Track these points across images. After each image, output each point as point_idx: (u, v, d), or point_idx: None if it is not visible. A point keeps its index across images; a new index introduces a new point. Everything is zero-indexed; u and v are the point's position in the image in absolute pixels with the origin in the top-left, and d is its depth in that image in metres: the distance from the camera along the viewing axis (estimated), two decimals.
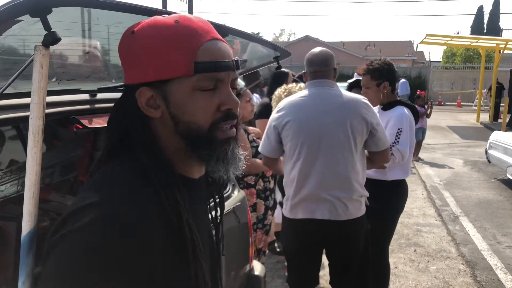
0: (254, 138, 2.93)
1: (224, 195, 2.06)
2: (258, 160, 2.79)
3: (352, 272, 2.32)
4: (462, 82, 24.61)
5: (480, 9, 53.93)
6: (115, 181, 0.72)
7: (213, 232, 0.95)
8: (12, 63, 1.17)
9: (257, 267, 2.31)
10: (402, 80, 18.71)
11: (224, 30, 1.24)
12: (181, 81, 0.73)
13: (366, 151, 2.32)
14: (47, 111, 1.14)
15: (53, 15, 0.77)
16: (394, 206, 2.85)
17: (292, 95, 2.41)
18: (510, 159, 6.31)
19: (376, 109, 2.95)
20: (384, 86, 2.73)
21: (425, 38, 15.17)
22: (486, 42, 16.61)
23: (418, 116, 2.86)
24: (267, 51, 1.79)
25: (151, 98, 0.75)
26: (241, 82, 4.15)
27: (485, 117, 16.11)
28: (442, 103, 22.86)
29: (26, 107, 0.79)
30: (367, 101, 2.23)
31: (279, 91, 3.34)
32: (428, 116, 8.47)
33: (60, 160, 1.96)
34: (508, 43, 14.67)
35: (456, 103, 22.38)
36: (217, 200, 0.95)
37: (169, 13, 0.88)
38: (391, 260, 3.95)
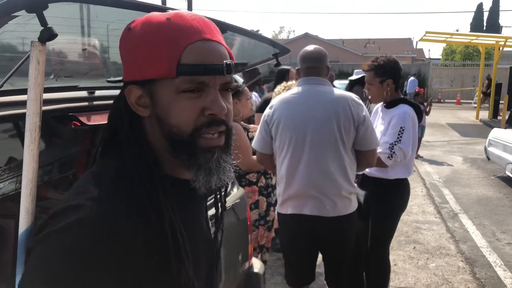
0: (254, 135, 2.92)
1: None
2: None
3: (344, 268, 2.33)
4: (461, 79, 24.61)
5: (480, 6, 53.87)
6: (99, 182, 0.71)
7: (212, 230, 0.94)
8: (8, 60, 1.16)
9: (256, 264, 2.32)
10: (411, 78, 18.85)
11: (222, 27, 1.23)
12: (165, 82, 0.71)
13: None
14: (45, 108, 1.14)
15: (50, 10, 0.76)
16: (396, 205, 2.84)
17: (285, 92, 2.42)
18: (510, 156, 6.31)
19: (379, 107, 2.94)
20: (388, 83, 2.70)
21: (424, 36, 15.15)
22: (485, 40, 16.60)
23: (421, 115, 2.83)
24: (266, 48, 1.78)
25: (141, 97, 0.74)
26: (239, 79, 4.15)
27: (485, 114, 16.12)
28: (442, 101, 22.86)
29: (25, 104, 0.78)
30: (357, 98, 2.22)
31: (279, 88, 3.35)
32: (427, 113, 8.48)
33: (59, 157, 1.95)
34: (508, 40, 14.66)
35: (455, 101, 22.38)
36: (218, 198, 0.93)
37: (169, 10, 0.86)
38: (391, 257, 3.95)
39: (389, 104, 2.75)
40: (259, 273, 2.27)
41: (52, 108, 1.24)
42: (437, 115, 15.84)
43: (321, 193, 2.17)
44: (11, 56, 1.17)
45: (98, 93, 1.48)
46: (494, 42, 15.89)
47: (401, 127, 2.59)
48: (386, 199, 2.79)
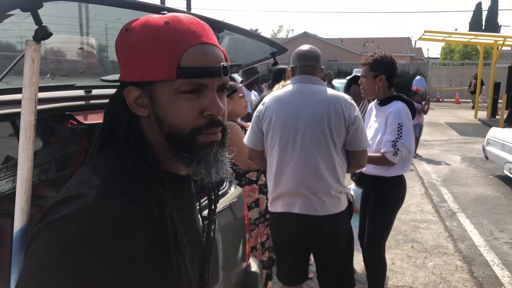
0: None
1: (220, 191, 2.07)
2: None
3: (336, 267, 2.33)
4: (460, 78, 24.58)
5: (479, 5, 53.89)
6: (99, 174, 0.72)
7: (205, 227, 0.95)
8: (4, 59, 1.16)
9: (254, 264, 2.32)
10: (418, 77, 19.00)
11: (219, 26, 1.23)
12: (165, 84, 0.73)
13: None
14: (42, 107, 1.13)
15: (47, 9, 0.77)
16: (394, 202, 2.87)
17: (278, 90, 2.43)
18: (508, 156, 6.32)
19: (373, 105, 2.96)
20: (381, 79, 2.76)
21: (423, 35, 15.16)
22: (484, 39, 16.61)
23: (415, 111, 2.88)
24: (264, 47, 1.78)
25: (139, 97, 0.76)
26: (238, 78, 4.15)
27: (483, 113, 16.15)
28: (441, 100, 22.88)
29: (20, 102, 0.78)
30: (349, 99, 2.23)
31: (277, 87, 3.35)
32: (425, 112, 8.48)
33: (56, 156, 1.96)
34: (507, 39, 14.67)
35: (454, 100, 22.40)
36: (212, 196, 0.95)
37: (168, 9, 0.87)
38: (389, 256, 3.97)
39: (383, 102, 2.80)
40: (256, 272, 2.27)
41: (49, 107, 1.24)
42: (435, 114, 15.86)
43: (311, 192, 2.17)
44: (7, 55, 1.17)
45: (95, 92, 1.48)
46: (493, 41, 15.92)
47: (399, 124, 2.64)
48: (385, 196, 2.81)
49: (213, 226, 0.95)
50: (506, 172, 6.36)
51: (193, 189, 0.89)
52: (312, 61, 2.29)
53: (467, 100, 21.46)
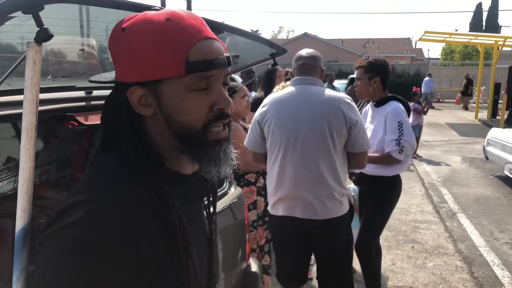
0: None
1: (220, 192, 2.08)
2: None
3: (336, 268, 2.32)
4: (461, 79, 24.53)
5: (479, 6, 53.86)
6: (105, 178, 0.72)
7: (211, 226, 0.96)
8: (5, 60, 1.17)
9: (254, 264, 2.32)
10: (427, 78, 19.04)
11: (218, 27, 1.23)
12: (173, 81, 0.73)
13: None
14: (43, 108, 1.14)
15: (48, 11, 0.77)
16: (391, 202, 2.92)
17: (278, 91, 2.43)
18: (508, 156, 6.33)
19: (368, 106, 3.02)
20: (375, 80, 2.84)
21: (423, 35, 15.15)
22: (484, 39, 16.61)
23: (409, 111, 2.96)
24: (263, 48, 1.79)
25: (143, 97, 0.75)
26: (238, 79, 4.17)
27: (484, 114, 16.14)
28: (441, 100, 22.87)
29: (22, 104, 0.79)
30: (350, 100, 2.22)
31: (277, 88, 3.35)
32: (425, 113, 8.48)
33: (57, 157, 1.96)
34: (507, 40, 14.66)
35: (454, 100, 22.38)
36: (211, 195, 0.95)
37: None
38: (389, 256, 3.98)
39: (379, 103, 2.88)
40: (256, 273, 2.27)
41: (50, 108, 1.24)
42: (436, 115, 15.87)
43: (312, 195, 2.15)
44: (9, 56, 1.18)
45: (95, 93, 1.48)
46: (493, 41, 15.90)
47: (398, 122, 2.71)
48: (383, 196, 2.86)
49: (214, 225, 0.96)
50: (507, 173, 6.36)
51: (196, 187, 0.89)
52: (308, 60, 2.27)
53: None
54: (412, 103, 7.96)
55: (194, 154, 0.76)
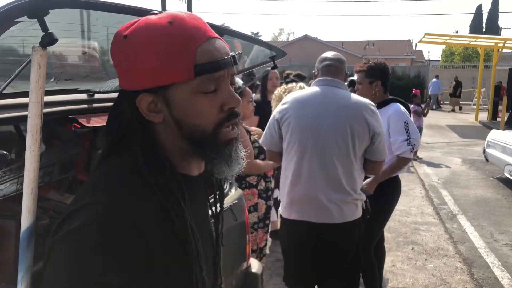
0: (256, 138, 2.93)
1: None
2: (259, 161, 2.81)
3: (342, 274, 2.25)
4: (461, 81, 24.60)
5: (479, 8, 53.89)
6: (112, 181, 0.72)
7: (213, 226, 0.96)
8: (11, 64, 1.19)
9: (254, 265, 2.34)
10: (434, 79, 19.04)
11: (219, 31, 1.25)
12: (181, 85, 0.72)
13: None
14: (46, 110, 1.16)
15: (51, 16, 0.79)
16: (391, 204, 2.94)
17: (299, 90, 2.39)
18: (508, 158, 6.33)
19: None
20: (376, 84, 2.86)
21: (424, 37, 15.17)
22: (485, 41, 16.61)
23: (410, 111, 2.99)
24: (263, 51, 1.81)
25: (152, 103, 0.74)
26: (239, 81, 4.20)
27: (484, 116, 16.15)
28: (442, 102, 22.86)
29: (25, 106, 0.81)
30: (373, 107, 2.17)
31: (279, 90, 3.37)
32: (425, 115, 8.50)
33: (59, 159, 1.98)
34: (507, 42, 14.69)
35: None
36: (218, 195, 0.95)
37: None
38: (389, 258, 3.98)
39: (380, 105, 2.89)
40: (257, 273, 2.28)
41: (53, 111, 1.26)
42: (436, 117, 15.87)
43: (327, 199, 2.09)
44: (14, 60, 1.19)
45: (97, 95, 1.50)
46: (493, 43, 15.92)
47: (404, 122, 2.76)
48: (383, 197, 2.86)
49: (220, 225, 0.95)
50: (507, 174, 6.37)
51: (203, 188, 0.89)
52: (334, 61, 2.22)
53: (468, 103, 21.47)
54: (412, 105, 7.98)
55: (206, 155, 0.77)
